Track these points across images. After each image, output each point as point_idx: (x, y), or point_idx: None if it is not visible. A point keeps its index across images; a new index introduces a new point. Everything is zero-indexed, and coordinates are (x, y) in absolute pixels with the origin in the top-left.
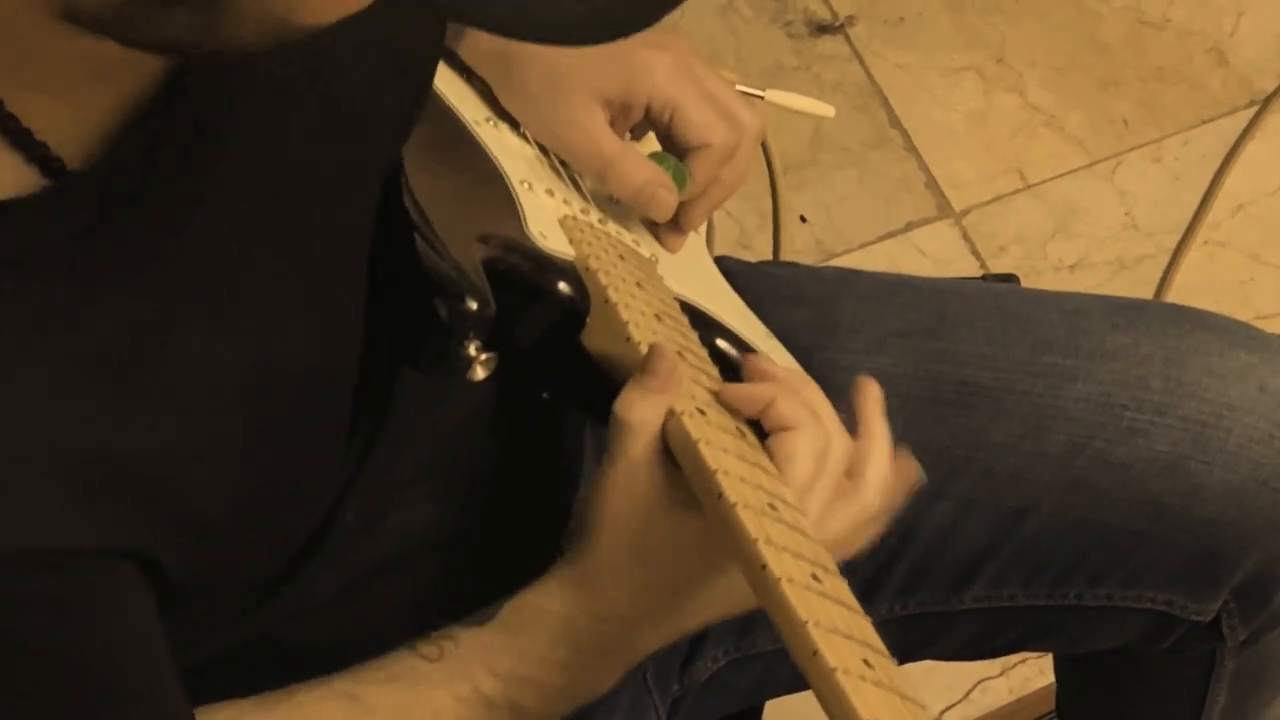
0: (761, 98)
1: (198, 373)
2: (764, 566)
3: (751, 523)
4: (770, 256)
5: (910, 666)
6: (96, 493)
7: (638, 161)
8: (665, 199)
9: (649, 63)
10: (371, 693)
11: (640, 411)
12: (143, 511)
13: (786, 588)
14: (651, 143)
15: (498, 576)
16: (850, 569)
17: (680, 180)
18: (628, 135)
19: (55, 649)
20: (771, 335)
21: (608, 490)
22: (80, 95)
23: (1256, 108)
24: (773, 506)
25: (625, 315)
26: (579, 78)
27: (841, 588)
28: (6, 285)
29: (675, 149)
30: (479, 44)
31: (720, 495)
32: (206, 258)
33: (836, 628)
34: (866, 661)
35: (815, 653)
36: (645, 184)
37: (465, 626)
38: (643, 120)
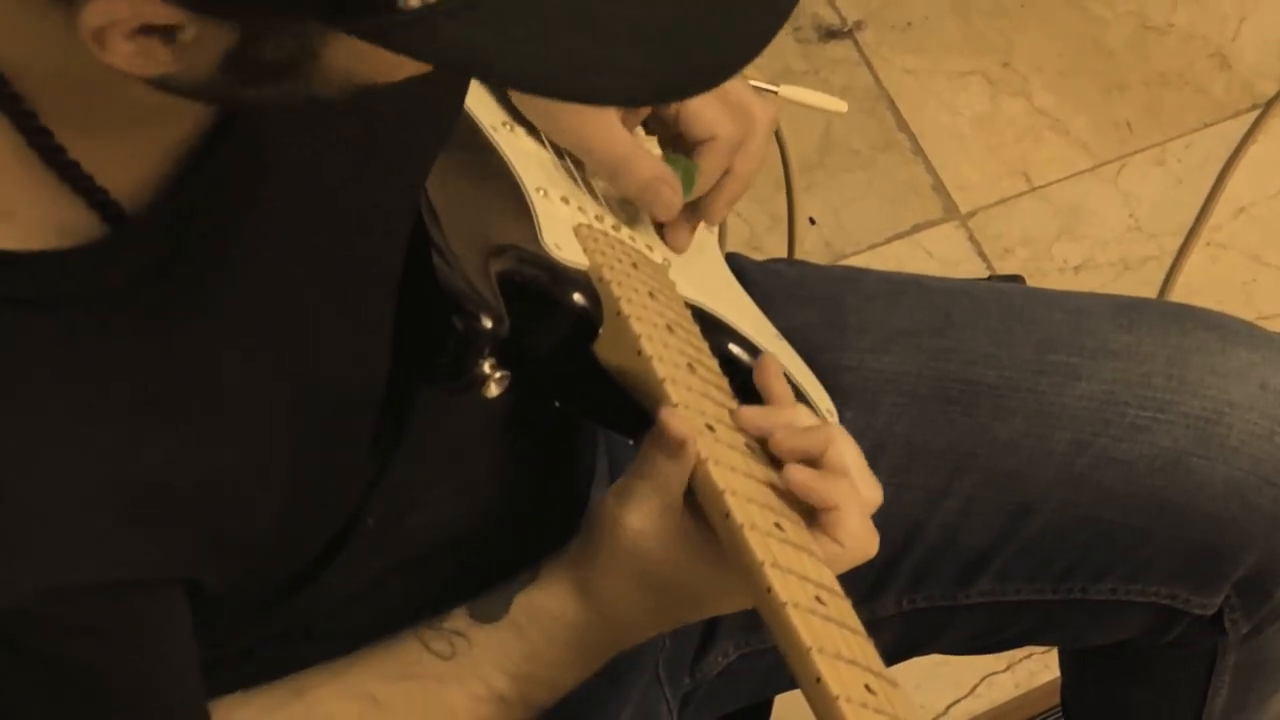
0: (775, 93)
1: (245, 401)
2: (769, 590)
3: (758, 545)
4: (779, 257)
5: (917, 661)
6: (151, 524)
7: (647, 159)
8: (669, 197)
9: None
10: (388, 692)
11: (663, 472)
12: (193, 538)
13: (791, 612)
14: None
15: (512, 574)
16: (858, 565)
17: (689, 179)
18: (639, 132)
19: (100, 669)
20: (781, 337)
21: (619, 525)
22: (136, 140)
23: (1258, 111)
24: (779, 526)
25: (637, 329)
26: None
27: (845, 609)
28: (66, 326)
29: (684, 145)
30: None
31: (728, 515)
32: (253, 288)
33: (840, 653)
34: (868, 687)
35: (819, 679)
36: (651, 179)
37: (475, 623)
38: (653, 120)
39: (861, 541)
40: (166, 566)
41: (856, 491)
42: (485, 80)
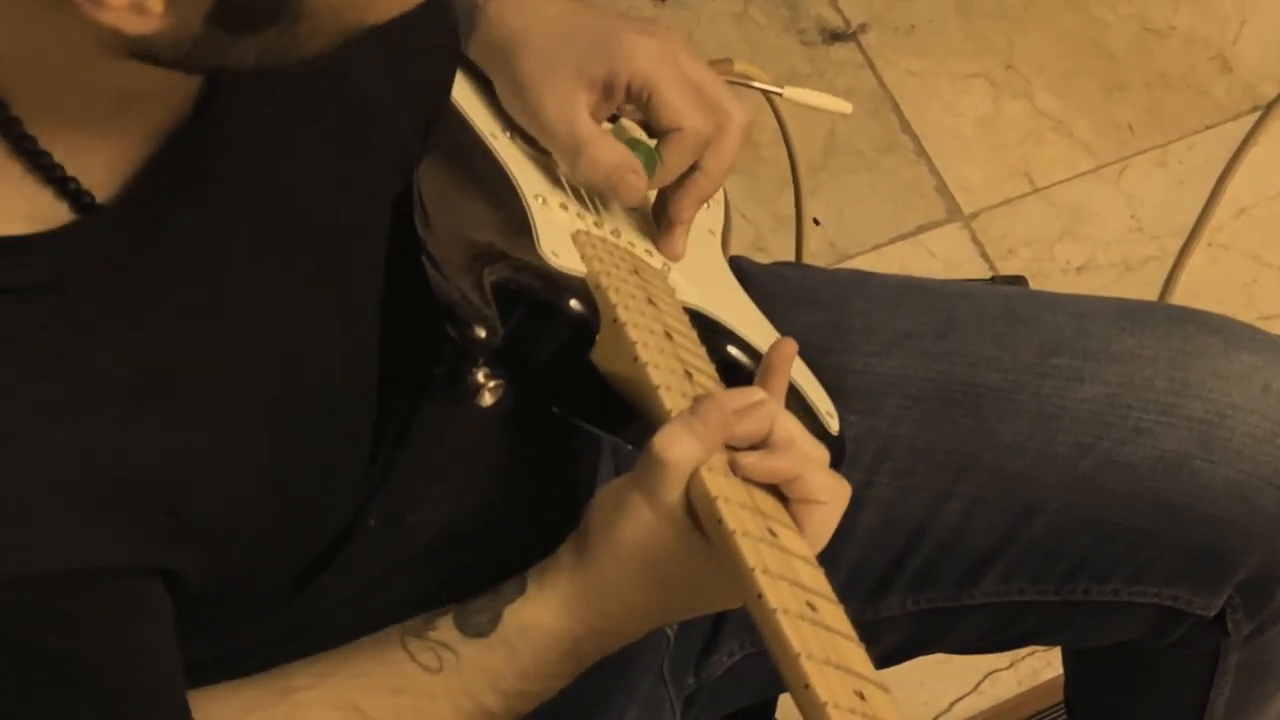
0: (780, 94)
1: (220, 395)
2: (760, 596)
3: (750, 551)
4: (784, 258)
5: (921, 659)
6: (121, 514)
7: (609, 145)
8: (634, 183)
9: (633, 44)
10: (374, 704)
11: (680, 451)
12: (167, 530)
13: (781, 619)
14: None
15: (511, 575)
16: (863, 566)
17: (651, 165)
18: (606, 126)
19: (75, 657)
20: None
21: (629, 522)
22: (108, 129)
23: (1259, 113)
24: (772, 532)
25: (633, 335)
26: (567, 62)
27: (838, 615)
28: (36, 312)
29: (653, 133)
30: (485, 36)
31: (720, 521)
32: (229, 282)
33: (829, 659)
34: (859, 694)
35: (807, 686)
36: (615, 166)
37: (464, 638)
38: (629, 107)
39: (835, 491)
40: (139, 556)
41: (807, 454)
42: None
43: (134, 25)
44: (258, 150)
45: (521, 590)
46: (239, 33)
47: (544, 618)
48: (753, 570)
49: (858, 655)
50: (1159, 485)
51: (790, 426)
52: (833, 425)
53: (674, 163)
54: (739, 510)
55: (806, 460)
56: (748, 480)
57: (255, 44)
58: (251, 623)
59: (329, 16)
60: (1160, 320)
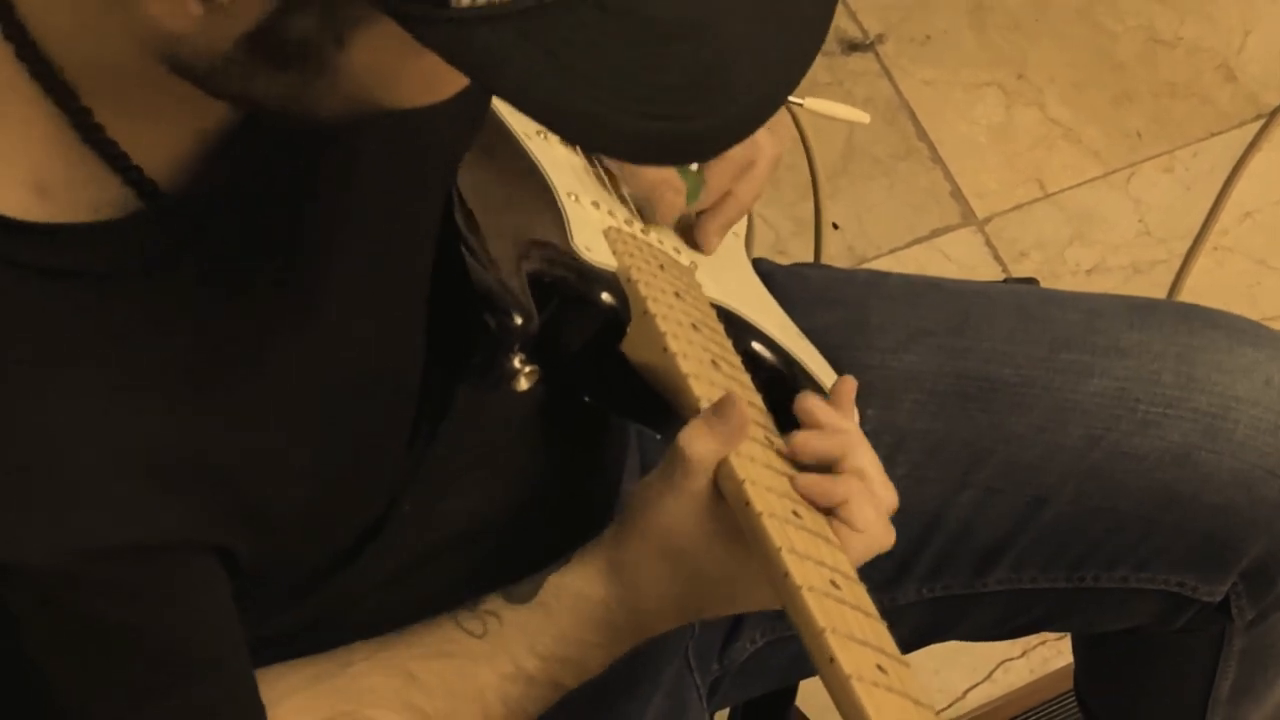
0: (801, 105)
1: (277, 382)
2: (786, 574)
3: (776, 531)
4: (803, 260)
5: (935, 647)
6: (181, 492)
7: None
8: (671, 200)
9: None
10: (423, 669)
11: (702, 448)
12: (223, 509)
13: (807, 595)
14: None
15: (541, 562)
16: (881, 554)
17: (694, 190)
18: None
19: (138, 628)
20: (804, 336)
21: (657, 509)
22: (175, 121)
23: (1263, 121)
24: (796, 514)
25: (663, 326)
26: None
27: (860, 593)
28: (101, 297)
29: None
30: None
31: (748, 504)
32: (287, 273)
33: (853, 634)
34: (880, 667)
35: (832, 659)
36: (659, 181)
37: (508, 604)
38: None
39: (877, 529)
40: (197, 532)
41: (868, 489)
42: (497, 93)
43: (171, 18)
44: (314, 149)
45: (566, 562)
46: (267, 65)
47: (579, 583)
48: (779, 550)
49: (880, 631)
50: (1166, 476)
51: (863, 461)
52: None
53: (716, 187)
54: (765, 494)
55: (862, 491)
56: (805, 498)
57: (279, 83)
58: (291, 605)
59: (349, 83)
60: (1167, 317)
